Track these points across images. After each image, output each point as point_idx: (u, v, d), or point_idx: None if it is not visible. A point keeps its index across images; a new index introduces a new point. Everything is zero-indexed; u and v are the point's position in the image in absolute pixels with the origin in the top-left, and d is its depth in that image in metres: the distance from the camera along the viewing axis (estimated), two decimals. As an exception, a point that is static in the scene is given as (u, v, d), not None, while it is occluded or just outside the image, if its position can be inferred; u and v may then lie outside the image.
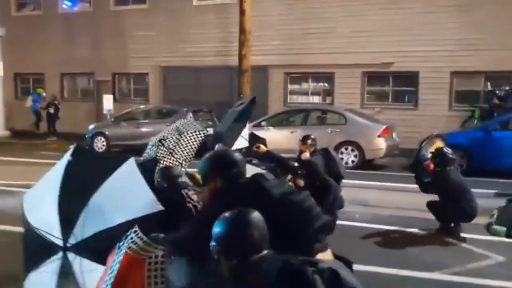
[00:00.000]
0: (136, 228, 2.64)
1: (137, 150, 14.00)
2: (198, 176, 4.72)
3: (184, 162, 5.02)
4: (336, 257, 2.65)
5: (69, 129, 18.00)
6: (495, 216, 4.36)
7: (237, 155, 2.80)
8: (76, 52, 19.08)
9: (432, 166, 6.34)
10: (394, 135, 12.31)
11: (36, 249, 3.18)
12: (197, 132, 5.02)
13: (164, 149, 4.96)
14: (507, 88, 13.68)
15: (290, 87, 16.73)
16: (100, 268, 2.84)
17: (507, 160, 10.08)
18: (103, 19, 18.72)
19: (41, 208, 3.18)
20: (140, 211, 2.90)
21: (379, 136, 11.80)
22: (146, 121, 14.80)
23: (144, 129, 14.47)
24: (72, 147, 3.47)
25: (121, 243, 2.66)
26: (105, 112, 17.15)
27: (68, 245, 2.98)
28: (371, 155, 11.89)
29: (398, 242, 6.30)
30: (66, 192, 3.06)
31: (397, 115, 14.32)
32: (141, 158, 4.86)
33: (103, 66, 18.88)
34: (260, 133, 10.09)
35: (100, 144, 14.73)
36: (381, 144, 11.77)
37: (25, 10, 20.57)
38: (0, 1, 18.05)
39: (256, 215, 2.17)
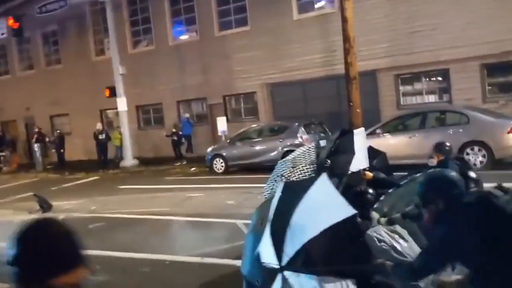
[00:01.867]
0: None
1: (253, 169, 14.54)
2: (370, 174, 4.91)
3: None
4: None
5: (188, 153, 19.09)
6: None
7: (455, 175, 2.92)
8: (188, 79, 20.19)
9: None
10: (525, 129, 11.25)
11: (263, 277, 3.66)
12: (307, 167, 5.02)
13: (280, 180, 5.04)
14: None
15: (402, 88, 16.10)
16: (315, 279, 3.22)
17: None
18: (210, 46, 19.60)
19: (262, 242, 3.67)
20: (338, 216, 3.21)
21: (508, 132, 10.87)
22: (260, 139, 15.13)
23: (258, 147, 14.83)
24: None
25: None
26: (219, 133, 17.85)
27: (282, 265, 3.35)
28: (501, 154, 10.97)
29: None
30: (274, 222, 3.53)
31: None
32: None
33: (214, 90, 19.72)
34: (376, 141, 9.82)
35: (219, 166, 15.32)
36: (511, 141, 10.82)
37: (139, 47, 22.21)
38: (118, 42, 19.59)
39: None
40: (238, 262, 6.34)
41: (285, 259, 3.33)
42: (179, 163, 18.28)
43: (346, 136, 5.70)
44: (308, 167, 4.67)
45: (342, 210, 3.25)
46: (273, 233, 3.45)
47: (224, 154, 15.30)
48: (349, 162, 5.59)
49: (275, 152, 14.26)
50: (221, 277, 5.96)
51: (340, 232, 3.26)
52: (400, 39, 15.29)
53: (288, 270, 3.32)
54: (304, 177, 4.61)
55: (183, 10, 20.61)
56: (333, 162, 5.54)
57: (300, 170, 4.63)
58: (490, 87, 14.60)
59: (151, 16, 21.35)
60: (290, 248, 3.31)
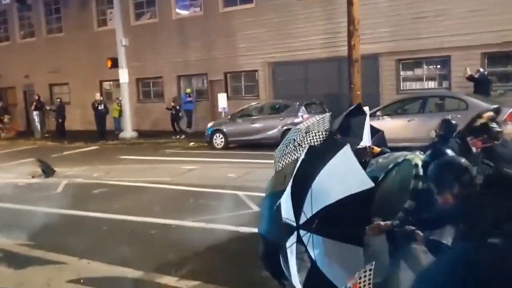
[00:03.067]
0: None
1: (253, 145, 14.74)
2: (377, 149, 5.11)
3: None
4: None
5: (184, 126, 19.26)
6: None
7: (465, 161, 3.20)
8: (190, 54, 20.24)
9: None
10: (522, 118, 11.52)
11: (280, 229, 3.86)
12: (320, 133, 5.19)
13: (292, 146, 5.21)
14: None
15: (402, 74, 16.29)
16: (327, 241, 3.44)
17: None
18: (213, 22, 19.62)
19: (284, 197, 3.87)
20: (355, 188, 3.39)
21: (505, 120, 11.11)
22: (260, 117, 15.31)
23: (258, 125, 15.02)
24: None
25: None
26: (220, 110, 18.01)
27: (299, 223, 3.55)
28: (497, 141, 11.23)
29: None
30: (296, 183, 3.71)
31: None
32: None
33: (215, 66, 19.80)
34: (375, 123, 9.98)
35: (219, 141, 15.52)
36: (508, 129, 11.03)
37: (142, 19, 22.15)
38: (121, 13, 19.53)
39: None
40: (242, 229, 6.64)
41: (303, 219, 3.52)
42: (178, 136, 18.47)
43: (359, 115, 5.92)
44: (320, 133, 4.82)
45: (362, 181, 3.43)
46: (294, 193, 3.63)
47: (225, 130, 15.48)
48: (359, 139, 5.83)
49: (275, 130, 14.48)
50: (226, 241, 6.21)
51: (357, 202, 3.43)
52: (404, 24, 15.43)
53: (304, 230, 3.52)
54: (316, 143, 4.79)
55: (188, -16, 20.59)
56: (343, 136, 5.77)
57: (312, 136, 4.78)
58: (490, 77, 14.81)
59: (155, -11, 21.30)
60: (308, 210, 3.51)
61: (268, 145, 14.52)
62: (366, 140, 6.11)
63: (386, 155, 4.88)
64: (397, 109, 12.96)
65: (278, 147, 5.43)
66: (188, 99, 19.45)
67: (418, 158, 3.84)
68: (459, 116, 11.36)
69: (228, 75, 20.05)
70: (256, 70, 19.10)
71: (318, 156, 3.77)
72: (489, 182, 2.98)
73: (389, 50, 15.85)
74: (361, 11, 14.50)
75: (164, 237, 6.57)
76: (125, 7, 20.63)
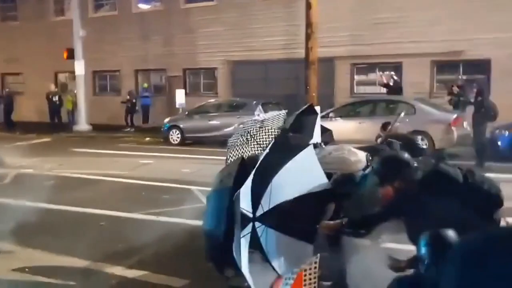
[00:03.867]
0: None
1: (209, 142, 14.84)
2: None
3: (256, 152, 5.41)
4: None
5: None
6: None
7: (407, 156, 3.46)
8: (149, 49, 20.13)
9: None
10: (465, 124, 12.14)
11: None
12: (273, 129, 5.38)
13: (244, 138, 5.39)
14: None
15: (356, 77, 16.81)
16: (280, 236, 3.57)
17: None
18: (174, 17, 19.59)
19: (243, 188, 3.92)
20: (313, 187, 3.61)
21: (449, 125, 11.72)
22: (218, 114, 15.44)
23: (216, 122, 15.16)
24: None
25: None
26: (177, 106, 18.02)
27: (256, 215, 3.64)
28: (441, 145, 11.81)
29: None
30: (257, 175, 3.74)
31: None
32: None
33: (174, 62, 19.78)
34: (327, 124, 10.33)
35: (175, 137, 15.55)
36: (452, 133, 11.70)
37: (101, 11, 21.84)
38: (79, 4, 19.22)
39: None
40: (193, 222, 6.77)
41: (259, 211, 3.64)
42: (128, 129, 18.38)
43: (311, 114, 6.16)
44: (273, 130, 5.01)
45: (320, 182, 3.66)
46: (254, 185, 3.70)
47: (182, 125, 15.53)
48: (310, 137, 6.08)
49: (232, 128, 14.58)
50: (176, 234, 6.33)
51: (313, 201, 3.63)
52: (361, 30, 15.93)
53: (259, 222, 3.64)
54: (268, 139, 4.95)
55: (149, -22, 20.47)
56: (294, 135, 6.00)
57: (265, 131, 4.95)
58: (437, 84, 15.52)
59: (115, -19, 21.06)
60: (266, 203, 3.63)
61: (224, 142, 14.69)
62: (316, 138, 6.40)
63: (317, 150, 5.13)
64: (349, 111, 13.41)
65: (232, 136, 5.61)
66: (145, 93, 19.36)
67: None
68: (407, 120, 11.96)
69: (187, 71, 20.07)
70: (216, 68, 19.22)
71: (281, 152, 3.87)
72: (428, 178, 3.23)
73: (345, 54, 16.31)
74: (319, 15, 14.89)
75: (114, 229, 6.62)
76: (83, -2, 20.31)
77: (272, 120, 5.44)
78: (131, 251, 5.65)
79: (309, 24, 14.93)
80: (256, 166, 3.83)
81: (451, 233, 2.55)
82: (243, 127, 5.23)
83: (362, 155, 5.00)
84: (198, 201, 7.98)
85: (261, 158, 3.94)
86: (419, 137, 11.58)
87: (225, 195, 4.36)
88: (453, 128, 11.70)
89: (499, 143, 10.96)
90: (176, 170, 10.79)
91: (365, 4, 15.92)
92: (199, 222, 6.73)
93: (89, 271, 5.18)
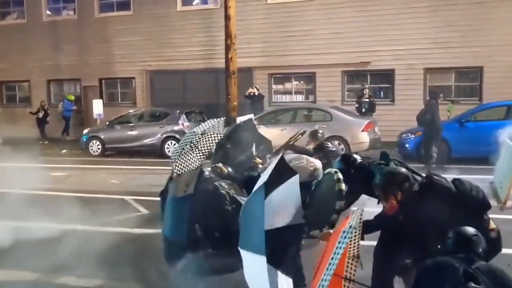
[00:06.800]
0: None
1: (131, 152, 14.74)
2: (224, 169, 5.45)
3: (201, 159, 5.66)
4: None
5: (58, 133, 18.53)
6: None
7: (405, 170, 3.79)
8: (62, 59, 19.49)
9: None
10: (376, 129, 13.29)
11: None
12: (215, 135, 5.69)
13: (189, 147, 5.66)
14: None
15: (274, 87, 17.59)
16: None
17: (480, 148, 11.09)
18: (88, 26, 19.18)
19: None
20: (290, 219, 3.74)
21: (362, 130, 12.78)
22: (140, 124, 15.38)
23: (137, 132, 15.10)
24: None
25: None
26: (95, 116, 17.65)
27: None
28: (356, 148, 12.79)
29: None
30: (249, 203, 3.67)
31: (376, 110, 15.30)
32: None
33: (90, 72, 19.34)
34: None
35: (95, 148, 15.26)
36: (365, 138, 12.75)
37: (8, 19, 20.80)
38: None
39: None
40: (135, 230, 6.93)
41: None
42: (41, 142, 17.70)
43: (249, 126, 6.58)
44: (215, 135, 5.31)
45: (296, 216, 3.80)
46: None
47: (102, 136, 15.28)
48: (249, 149, 6.50)
49: (155, 137, 14.72)
50: (121, 242, 6.45)
51: (286, 233, 3.78)
52: (275, 42, 16.73)
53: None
54: (212, 144, 5.23)
55: (60, -14, 19.87)
56: (233, 145, 6.39)
57: (208, 137, 5.23)
58: (348, 92, 16.72)
59: (23, -13, 20.19)
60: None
61: (147, 152, 14.72)
62: (253, 150, 6.82)
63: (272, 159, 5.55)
64: (270, 118, 14.07)
65: (174, 148, 5.85)
66: (73, 107, 18.76)
67: (333, 168, 4.37)
68: (325, 126, 12.84)
69: (103, 81, 19.71)
70: (133, 78, 19.09)
71: (274, 180, 3.75)
72: (425, 188, 3.68)
73: (262, 65, 17.03)
74: (237, 26, 15.42)
75: (59, 241, 6.55)
76: (-12, 5, 19.26)
77: (213, 127, 5.74)
78: (80, 261, 5.67)
79: (228, 35, 15.38)
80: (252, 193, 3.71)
81: (471, 230, 3.02)
82: (183, 139, 5.46)
83: (319, 164, 5.50)
84: (135, 210, 8.13)
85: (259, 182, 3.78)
86: (336, 142, 12.63)
87: (186, 203, 4.67)
88: (365, 132, 12.75)
89: (407, 145, 12.11)
90: (104, 182, 10.73)
91: (277, 18, 16.75)
92: (141, 230, 6.96)
93: (41, 283, 5.18)
